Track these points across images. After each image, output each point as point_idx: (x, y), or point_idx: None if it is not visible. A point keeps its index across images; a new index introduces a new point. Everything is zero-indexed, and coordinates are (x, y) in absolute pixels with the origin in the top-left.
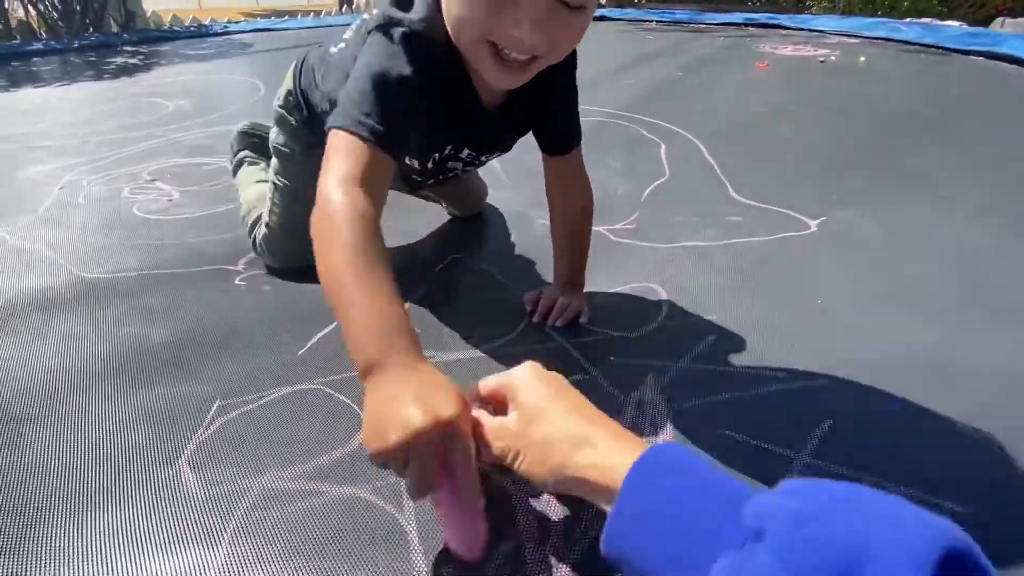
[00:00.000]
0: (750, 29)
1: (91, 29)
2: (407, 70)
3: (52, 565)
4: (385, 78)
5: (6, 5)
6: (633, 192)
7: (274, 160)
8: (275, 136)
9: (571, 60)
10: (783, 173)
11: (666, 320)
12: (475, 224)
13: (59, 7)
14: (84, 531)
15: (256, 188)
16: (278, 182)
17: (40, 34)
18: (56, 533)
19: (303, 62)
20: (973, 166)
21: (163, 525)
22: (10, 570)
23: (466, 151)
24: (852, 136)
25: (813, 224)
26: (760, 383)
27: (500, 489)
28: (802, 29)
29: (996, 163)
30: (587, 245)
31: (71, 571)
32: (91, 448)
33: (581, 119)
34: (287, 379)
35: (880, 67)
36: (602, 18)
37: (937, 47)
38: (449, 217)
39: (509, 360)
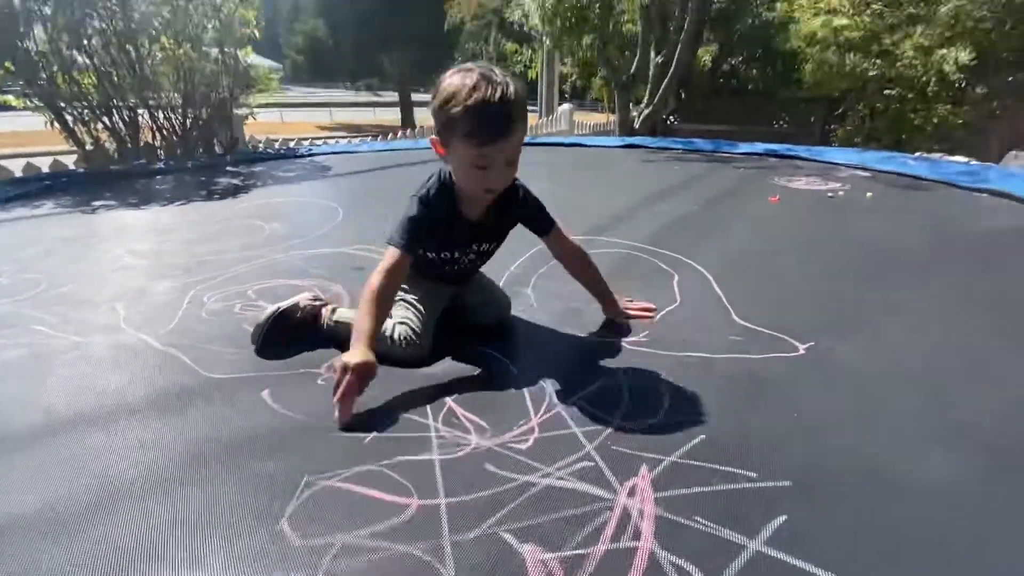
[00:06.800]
0: (768, 160)
1: (201, 151)
2: (419, 215)
3: None
4: (410, 220)
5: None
6: None
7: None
8: None
9: (513, 191)
10: (781, 303)
11: (665, 417)
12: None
13: (179, 132)
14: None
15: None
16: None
17: (160, 155)
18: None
19: None
20: (955, 298)
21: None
22: None
23: (474, 246)
24: (848, 271)
25: (801, 348)
26: (732, 480)
27: None
28: (816, 161)
29: (975, 296)
30: (599, 273)
31: None
32: (226, 503)
33: (610, 250)
34: (357, 460)
35: (885, 203)
36: (634, 146)
37: (942, 182)
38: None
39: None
